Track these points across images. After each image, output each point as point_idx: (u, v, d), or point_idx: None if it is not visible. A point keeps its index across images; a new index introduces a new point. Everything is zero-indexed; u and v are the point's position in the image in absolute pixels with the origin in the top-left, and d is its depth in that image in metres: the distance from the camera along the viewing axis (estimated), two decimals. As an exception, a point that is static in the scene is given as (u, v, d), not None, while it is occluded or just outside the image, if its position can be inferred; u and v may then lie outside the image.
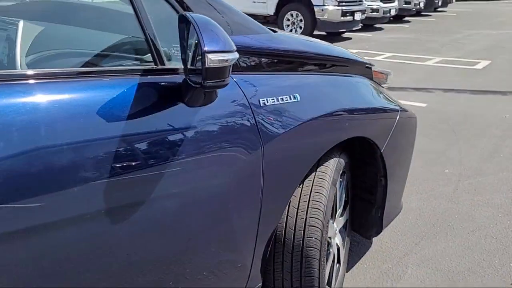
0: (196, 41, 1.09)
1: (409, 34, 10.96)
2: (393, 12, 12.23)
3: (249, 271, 1.47)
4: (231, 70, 1.05)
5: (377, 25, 12.18)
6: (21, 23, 1.42)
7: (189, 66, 1.08)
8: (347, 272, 2.07)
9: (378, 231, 2.08)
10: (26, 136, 0.93)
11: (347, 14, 9.65)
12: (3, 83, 0.98)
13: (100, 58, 1.24)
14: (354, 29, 10.19)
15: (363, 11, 10.30)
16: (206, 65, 0.98)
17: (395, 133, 1.94)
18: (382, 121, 1.89)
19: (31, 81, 1.01)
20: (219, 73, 1.02)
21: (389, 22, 12.56)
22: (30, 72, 1.10)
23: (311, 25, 9.53)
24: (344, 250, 1.97)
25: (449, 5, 17.92)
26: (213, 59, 0.99)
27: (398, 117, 1.98)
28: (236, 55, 1.04)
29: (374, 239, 2.34)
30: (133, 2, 1.10)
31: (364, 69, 1.96)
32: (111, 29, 1.38)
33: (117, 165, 1.04)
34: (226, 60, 1.01)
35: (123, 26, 1.34)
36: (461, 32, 11.26)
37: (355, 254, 2.23)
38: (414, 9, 14.13)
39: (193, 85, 1.06)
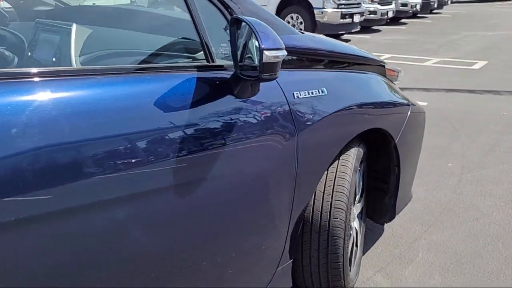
0: (245, 42, 1.25)
1: (407, 35, 11.16)
2: (390, 14, 12.45)
3: (282, 250, 1.63)
4: (280, 65, 1.21)
5: (375, 27, 12.39)
6: (74, 26, 1.58)
7: (239, 63, 1.25)
8: (363, 255, 2.23)
9: (391, 217, 2.25)
10: (100, 120, 1.07)
11: (346, 17, 9.85)
12: (73, 78, 1.13)
13: (156, 57, 1.40)
14: (352, 31, 10.38)
15: (361, 13, 10.50)
16: (264, 61, 1.15)
17: (407, 125, 2.10)
18: (396, 115, 2.06)
19: (93, 76, 1.15)
20: (272, 67, 1.18)
21: (386, 24, 12.79)
22: (95, 67, 1.27)
23: (311, 27, 9.71)
24: (361, 234, 2.13)
25: (444, 7, 18.18)
26: (268, 55, 1.15)
27: (409, 112, 2.14)
28: (284, 52, 1.20)
29: (385, 226, 2.51)
30: (190, 8, 1.26)
31: (378, 67, 2.13)
32: (163, 32, 1.55)
33: (176, 147, 1.19)
34: (278, 57, 1.17)
35: (176, 29, 1.50)
36: (457, 33, 11.48)
37: (369, 240, 2.39)
38: (410, 11, 14.37)
39: (247, 78, 1.23)
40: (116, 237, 1.09)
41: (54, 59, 1.60)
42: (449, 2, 18.92)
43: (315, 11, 9.68)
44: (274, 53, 1.16)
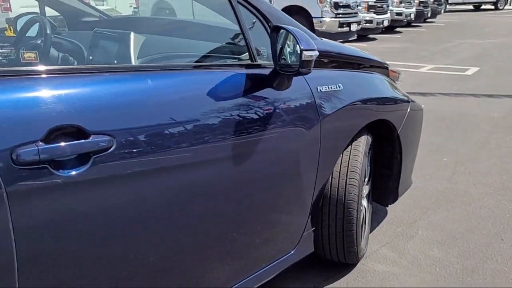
0: (281, 46, 1.59)
1: (402, 43, 11.57)
2: (386, 23, 12.90)
3: (306, 220, 1.96)
4: (313, 62, 1.55)
5: (371, 36, 12.80)
6: (132, 34, 1.91)
7: (278, 62, 1.59)
8: (370, 232, 2.55)
9: (395, 199, 2.58)
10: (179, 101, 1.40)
11: (344, 25, 10.26)
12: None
13: (208, 57, 1.74)
14: (350, 39, 10.78)
15: (358, 22, 10.91)
16: (303, 58, 1.49)
17: (408, 119, 2.44)
18: (398, 109, 2.40)
19: (156, 72, 1.48)
20: (309, 64, 1.52)
21: (382, 32, 13.21)
22: (155, 64, 1.60)
23: (310, 36, 10.08)
24: (368, 213, 2.46)
25: (437, 16, 18.66)
26: (306, 54, 1.49)
27: (409, 107, 2.48)
28: (317, 52, 1.54)
29: (388, 209, 2.84)
30: (238, 19, 1.60)
31: (382, 69, 2.48)
32: (212, 38, 1.89)
33: (228, 126, 1.51)
34: (312, 56, 1.51)
35: (223, 36, 1.83)
36: (450, 41, 11.90)
37: (374, 221, 2.71)
38: (405, 20, 14.81)
39: (287, 73, 1.57)
40: (187, 199, 1.42)
41: (115, 62, 1.93)
42: (442, 11, 19.42)
43: (314, 20, 10.07)
44: (310, 53, 1.50)
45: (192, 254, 1.48)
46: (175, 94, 1.41)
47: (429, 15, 17.16)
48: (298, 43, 1.49)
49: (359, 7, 11.23)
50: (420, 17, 16.20)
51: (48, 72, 1.25)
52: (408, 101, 2.50)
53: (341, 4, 10.40)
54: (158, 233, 1.35)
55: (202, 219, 1.48)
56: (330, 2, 10.13)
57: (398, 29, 14.74)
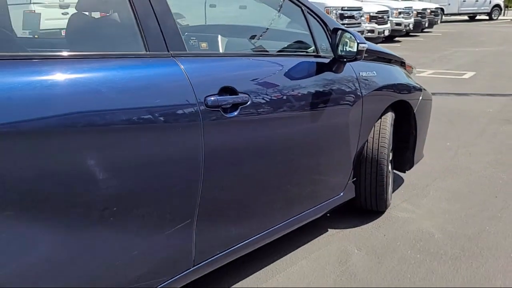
0: (337, 42, 2.29)
1: (402, 51, 12.32)
2: (386, 33, 13.69)
3: (351, 170, 2.64)
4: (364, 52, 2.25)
5: (373, 45, 13.55)
6: (219, 36, 2.60)
7: (338, 53, 2.30)
8: (392, 192, 3.23)
9: (410, 166, 3.26)
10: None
11: (349, 35, 11.00)
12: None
13: (285, 50, 2.44)
14: (354, 47, 11.50)
15: (361, 32, 11.67)
16: (359, 49, 2.19)
17: (421, 102, 3.14)
18: (414, 93, 3.09)
19: (250, 57, 2.18)
20: (361, 53, 2.22)
21: (382, 42, 13.97)
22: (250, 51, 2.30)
23: (318, 45, 10.84)
24: (391, 175, 3.14)
25: (434, 26, 19.50)
26: (361, 46, 2.19)
27: (422, 93, 3.18)
28: (366, 45, 2.24)
29: (404, 178, 3.51)
30: (308, 23, 2.30)
31: (400, 63, 3.18)
32: (284, 38, 2.60)
33: (302, 99, 2.20)
34: (364, 47, 2.21)
35: (296, 36, 2.53)
36: (447, 49, 12.66)
37: (394, 186, 3.39)
38: (404, 30, 15.62)
39: (346, 60, 2.27)
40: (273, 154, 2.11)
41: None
42: (438, 21, 20.25)
43: (321, 30, 10.81)
44: (363, 45, 2.20)
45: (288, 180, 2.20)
46: (279, 69, 2.11)
47: (426, 25, 17.98)
48: (355, 39, 2.19)
49: (362, 18, 12.02)
50: (418, 27, 17.01)
51: (216, 55, 2.00)
52: (420, 89, 3.20)
53: (346, 15, 11.18)
54: (272, 159, 2.06)
55: (289, 163, 2.18)
56: (336, 13, 10.90)
57: (397, 38, 15.53)
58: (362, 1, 14.65)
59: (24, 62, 1.37)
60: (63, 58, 1.51)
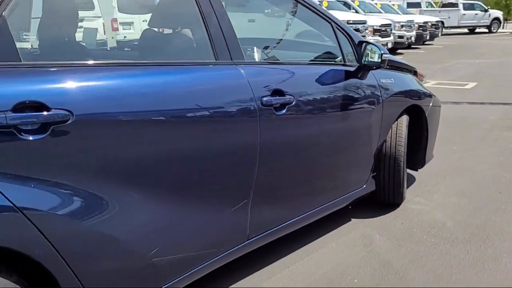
0: (362, 53, 2.66)
1: (405, 63, 12.72)
2: (389, 45, 14.09)
3: (372, 167, 2.99)
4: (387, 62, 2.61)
5: (376, 57, 13.96)
6: (255, 48, 2.97)
7: (362, 62, 2.66)
8: (406, 188, 3.58)
9: (422, 165, 3.60)
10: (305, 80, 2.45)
11: (354, 47, 11.42)
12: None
13: (316, 59, 2.81)
14: (359, 59, 11.92)
15: (366, 44, 12.09)
16: (383, 58, 2.55)
17: (431, 107, 3.49)
18: (425, 99, 3.44)
19: (287, 65, 2.54)
20: (384, 62, 2.58)
21: (386, 54, 14.39)
22: (299, 60, 2.67)
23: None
24: (405, 173, 3.48)
25: (435, 39, 19.97)
26: (385, 56, 2.55)
27: (432, 99, 3.54)
28: (388, 55, 2.60)
29: (416, 177, 3.86)
30: (337, 38, 2.67)
31: (413, 72, 3.55)
32: (317, 49, 2.97)
33: (330, 102, 2.56)
34: (387, 57, 2.57)
35: (326, 48, 2.90)
36: (449, 61, 13.07)
37: (407, 184, 3.74)
38: (406, 43, 16.06)
39: (371, 68, 2.63)
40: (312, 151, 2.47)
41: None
42: (439, 34, 20.73)
43: (328, 43, 11.24)
44: (386, 55, 2.56)
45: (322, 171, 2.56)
46: (314, 75, 2.48)
47: (427, 38, 18.42)
48: (379, 49, 2.56)
49: (366, 31, 12.44)
50: (420, 39, 17.45)
51: (266, 63, 2.55)
52: (430, 95, 3.56)
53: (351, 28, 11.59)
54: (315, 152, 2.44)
55: (323, 156, 2.54)
56: (342, 26, 11.32)
57: (400, 50, 15.94)
58: (366, 14, 15.13)
59: (124, 68, 1.74)
60: (160, 65, 1.90)
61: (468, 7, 27.31)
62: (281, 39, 3.29)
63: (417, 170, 3.73)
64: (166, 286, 1.81)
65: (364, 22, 12.54)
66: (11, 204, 1.30)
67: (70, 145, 1.46)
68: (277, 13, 3.38)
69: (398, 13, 18.72)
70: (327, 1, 12.15)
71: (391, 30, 14.51)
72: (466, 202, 3.40)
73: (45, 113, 1.39)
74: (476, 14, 27.29)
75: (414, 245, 2.76)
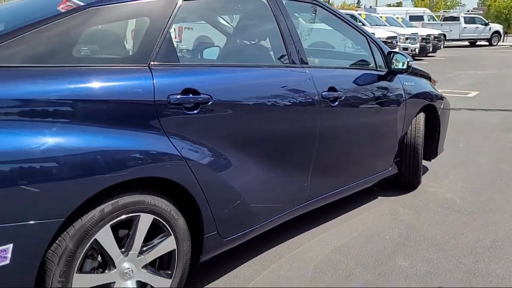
0: (391, 61, 3.36)
1: (411, 73, 13.45)
2: (395, 57, 14.84)
3: (395, 153, 3.68)
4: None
5: (383, 67, 14.71)
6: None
7: (391, 68, 3.36)
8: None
9: (434, 156, 4.28)
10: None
11: (363, 58, 12.17)
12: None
13: (355, 64, 3.51)
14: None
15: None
16: (409, 65, 3.25)
17: (443, 107, 4.19)
18: (438, 100, 4.14)
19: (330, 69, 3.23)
20: (410, 68, 3.29)
21: (392, 64, 15.13)
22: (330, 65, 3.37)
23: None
24: (422, 160, 4.15)
25: (438, 51, 20.76)
26: (410, 63, 3.25)
27: (443, 101, 4.24)
28: (413, 63, 3.30)
29: (428, 167, 4.54)
30: (371, 49, 3.37)
31: (428, 77, 4.25)
32: (354, 58, 3.68)
33: (368, 100, 3.26)
34: (412, 64, 3.27)
35: (361, 57, 3.59)
36: (451, 72, 13.79)
37: (422, 172, 4.41)
38: (410, 54, 16.81)
39: (399, 73, 3.33)
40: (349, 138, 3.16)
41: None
42: (441, 46, 21.54)
43: (338, 53, 11.99)
44: (411, 62, 3.26)
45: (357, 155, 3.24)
46: (352, 76, 3.17)
47: (430, 50, 19.21)
48: (406, 58, 3.26)
49: (374, 43, 13.19)
50: (423, 51, 18.23)
51: (322, 67, 3.17)
52: (442, 98, 4.26)
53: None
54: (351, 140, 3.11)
55: (361, 143, 3.23)
56: (352, 38, 12.07)
57: (404, 62, 16.68)
58: (372, 27, 15.90)
59: (240, 68, 2.47)
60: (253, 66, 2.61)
61: (469, 20, 28.18)
62: (330, 49, 4.00)
63: (430, 160, 4.41)
64: (256, 226, 2.49)
65: (371, 34, 13.26)
66: (179, 154, 1.99)
67: (209, 118, 2.15)
68: (326, 28, 4.07)
69: (402, 26, 19.55)
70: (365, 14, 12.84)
71: (396, 42, 15.27)
72: (471, 186, 4.08)
73: (197, 96, 2.08)
74: (477, 27, 28.14)
75: (432, 214, 3.44)
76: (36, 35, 1.74)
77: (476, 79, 12.05)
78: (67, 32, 1.83)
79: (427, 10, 31.83)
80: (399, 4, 74.29)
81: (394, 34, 15.45)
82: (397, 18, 21.65)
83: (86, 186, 1.70)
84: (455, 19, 28.26)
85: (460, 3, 68.53)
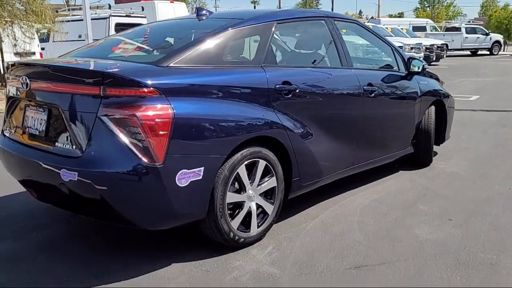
0: (410, 64, 4.48)
1: (417, 80, 14.55)
2: (401, 65, 15.96)
3: (412, 136, 4.76)
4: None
5: (390, 75, 15.81)
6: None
7: (410, 70, 4.47)
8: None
9: (442, 141, 5.35)
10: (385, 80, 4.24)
11: (373, 66, 13.31)
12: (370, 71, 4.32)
13: (382, 68, 4.62)
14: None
15: (382, 64, 13.97)
16: (425, 67, 4.36)
17: (449, 102, 5.28)
18: (445, 97, 5.22)
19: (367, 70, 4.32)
20: (425, 70, 4.40)
21: (398, 72, 16.23)
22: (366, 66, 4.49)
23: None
24: (433, 143, 5.22)
25: (440, 60, 21.89)
26: (425, 66, 4.36)
27: (449, 98, 5.33)
28: (427, 66, 4.39)
29: (438, 151, 5.61)
30: (395, 55, 4.48)
31: (437, 78, 5.36)
32: (381, 63, 4.79)
33: (392, 94, 4.36)
34: (426, 67, 4.38)
35: (386, 62, 4.70)
36: (454, 79, 14.88)
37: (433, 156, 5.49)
38: (415, 63, 17.93)
39: (417, 74, 4.45)
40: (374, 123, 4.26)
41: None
42: (444, 56, 22.67)
43: (350, 62, 13.12)
44: (426, 66, 4.37)
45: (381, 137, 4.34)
46: (382, 75, 4.28)
47: (434, 59, 20.34)
48: (422, 63, 4.36)
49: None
50: (427, 60, 19.33)
51: (363, 68, 4.36)
52: (448, 95, 5.35)
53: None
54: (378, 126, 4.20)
55: (390, 127, 4.32)
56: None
57: (410, 70, 17.79)
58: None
59: (315, 69, 3.60)
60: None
61: (470, 31, 29.36)
62: (364, 56, 5.11)
63: (439, 145, 5.48)
64: (322, 178, 3.59)
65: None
66: (281, 123, 3.09)
67: (297, 101, 3.26)
68: (362, 41, 5.19)
69: (407, 37, 20.70)
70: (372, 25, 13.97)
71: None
72: (473, 164, 5.16)
73: (290, 86, 3.19)
74: (478, 37, 29.30)
75: (442, 181, 4.52)
76: (203, 46, 2.88)
77: (477, 85, 13.14)
78: (219, 44, 2.97)
79: (430, 21, 33.00)
80: (400, 15, 75.56)
81: (400, 44, 16.57)
82: (402, 28, 22.79)
83: (237, 137, 2.81)
84: (457, 29, 29.42)
85: (462, 13, 70.06)
